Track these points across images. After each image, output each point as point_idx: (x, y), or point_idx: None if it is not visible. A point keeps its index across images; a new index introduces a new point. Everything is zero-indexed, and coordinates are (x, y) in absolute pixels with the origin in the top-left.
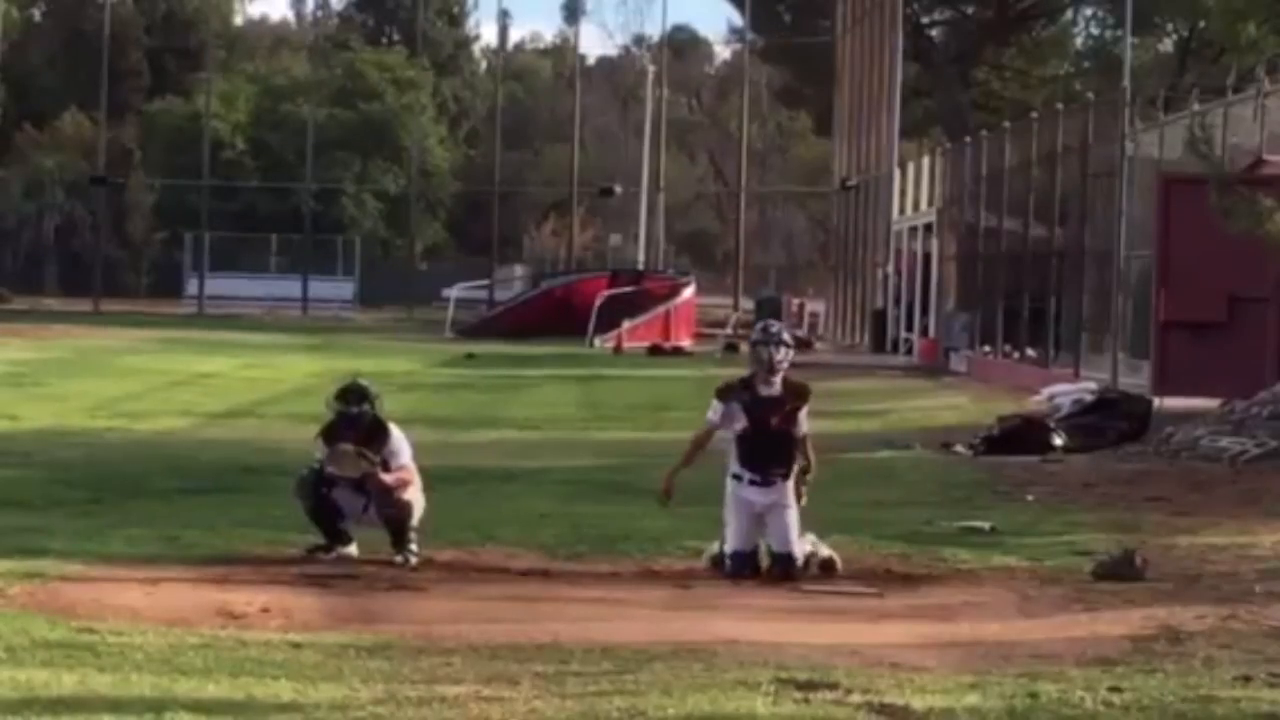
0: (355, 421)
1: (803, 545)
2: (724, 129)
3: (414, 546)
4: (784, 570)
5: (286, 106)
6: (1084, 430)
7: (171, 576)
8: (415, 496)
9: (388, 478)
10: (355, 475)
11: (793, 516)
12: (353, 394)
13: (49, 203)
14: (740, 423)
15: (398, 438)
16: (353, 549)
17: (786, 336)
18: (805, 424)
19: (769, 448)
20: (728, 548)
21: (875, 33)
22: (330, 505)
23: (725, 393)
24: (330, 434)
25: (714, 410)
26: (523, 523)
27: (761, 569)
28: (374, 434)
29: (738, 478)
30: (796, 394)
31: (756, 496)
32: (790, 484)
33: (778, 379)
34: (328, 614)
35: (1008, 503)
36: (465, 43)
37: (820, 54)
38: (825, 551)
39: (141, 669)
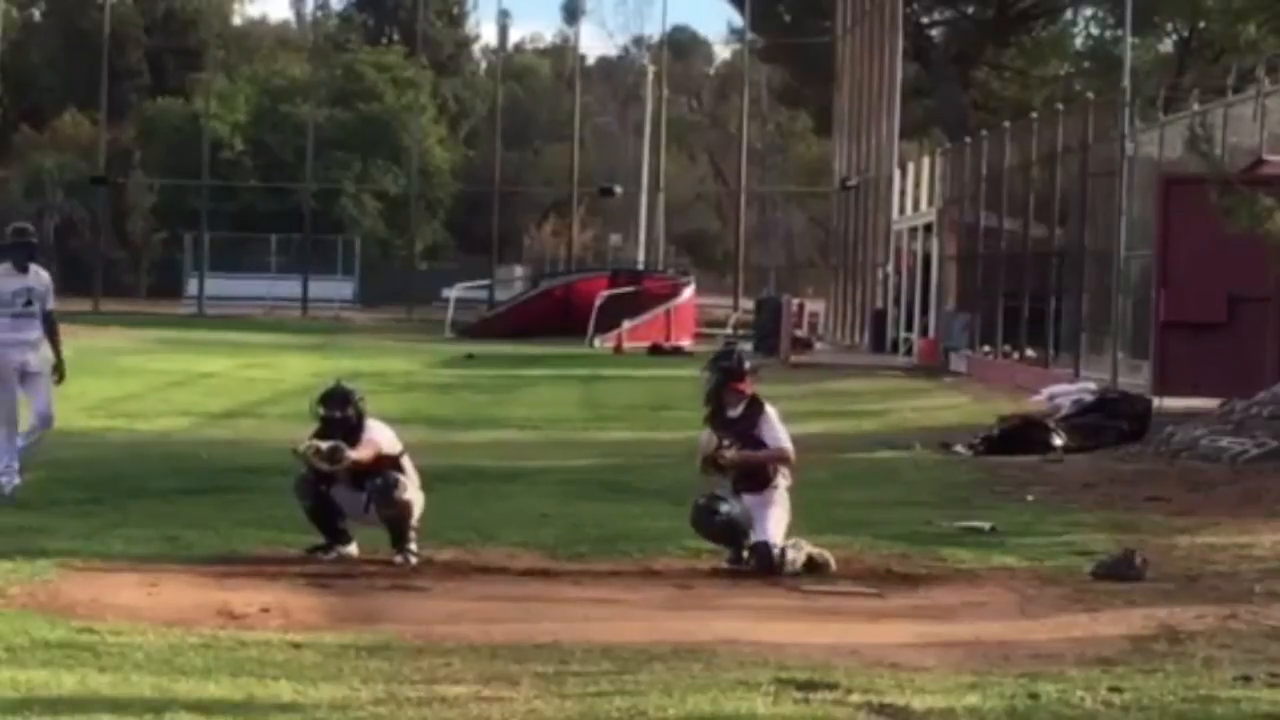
0: (341, 425)
1: (795, 553)
2: (724, 129)
3: (413, 546)
4: (762, 560)
5: (286, 107)
6: (1084, 430)
7: (171, 576)
8: (414, 495)
9: (360, 452)
10: (332, 467)
11: (773, 514)
12: (335, 399)
13: (49, 203)
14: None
15: (370, 430)
16: (353, 549)
17: (719, 365)
18: (776, 435)
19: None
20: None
21: (875, 33)
22: (329, 504)
23: (706, 418)
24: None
25: (705, 435)
26: (523, 523)
27: (719, 521)
28: (357, 433)
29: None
30: (752, 410)
31: (743, 497)
32: (766, 493)
33: (738, 402)
34: (328, 614)
35: (1008, 503)
36: (465, 43)
37: (820, 54)
38: (810, 550)
39: (141, 669)
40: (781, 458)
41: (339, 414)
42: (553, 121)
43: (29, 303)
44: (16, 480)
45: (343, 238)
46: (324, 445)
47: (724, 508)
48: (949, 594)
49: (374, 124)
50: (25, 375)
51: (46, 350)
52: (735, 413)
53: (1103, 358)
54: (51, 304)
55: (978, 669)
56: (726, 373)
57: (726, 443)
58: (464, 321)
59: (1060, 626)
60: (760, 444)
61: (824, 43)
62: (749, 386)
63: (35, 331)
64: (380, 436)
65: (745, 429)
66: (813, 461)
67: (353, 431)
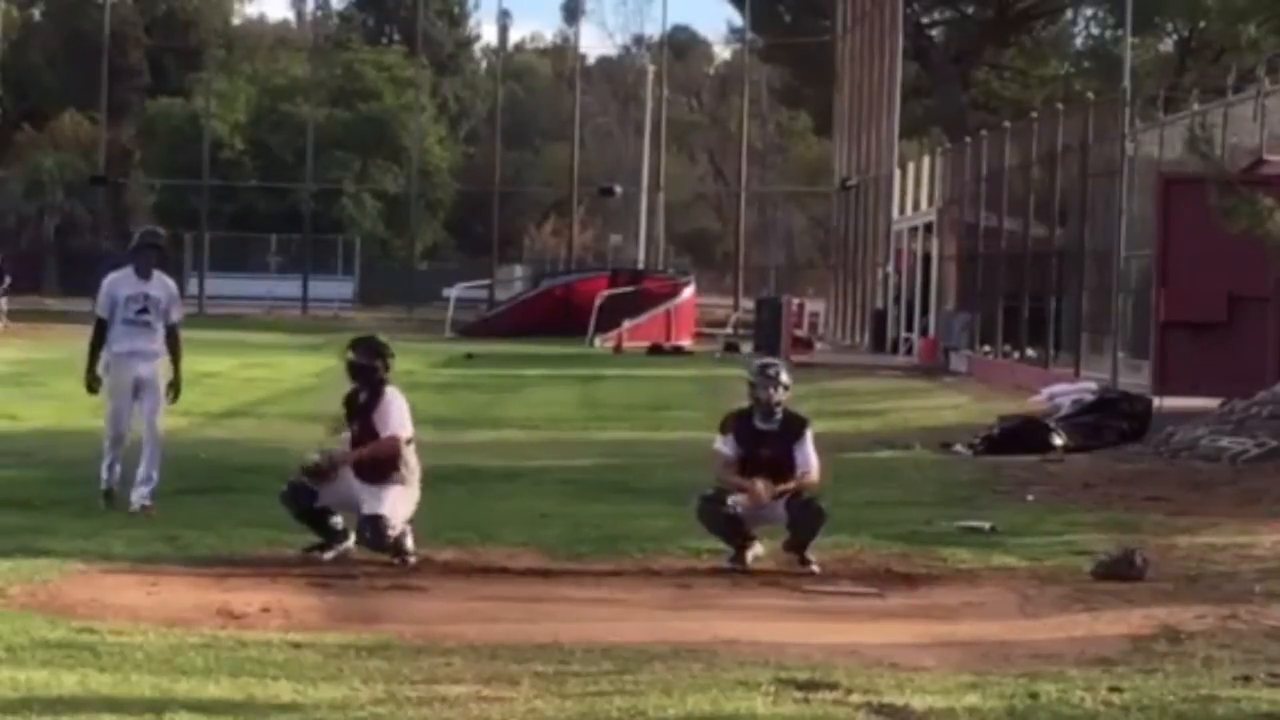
0: (366, 374)
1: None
2: (724, 129)
3: (410, 545)
4: (809, 517)
5: (286, 106)
6: (1084, 430)
7: (171, 576)
8: (406, 508)
9: (357, 453)
10: (331, 479)
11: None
12: (363, 345)
13: (49, 203)
14: (736, 451)
15: (388, 400)
16: (350, 543)
17: (784, 377)
18: (809, 457)
19: (761, 474)
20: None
21: (875, 33)
22: (320, 509)
23: (726, 425)
24: (349, 402)
25: (724, 443)
26: (523, 523)
27: (725, 514)
28: (376, 394)
29: None
30: (794, 426)
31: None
32: (779, 503)
33: (778, 414)
34: (328, 614)
35: (1008, 503)
36: (465, 43)
37: (820, 54)
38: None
39: (141, 669)
40: (811, 484)
41: (364, 362)
42: (553, 121)
43: (144, 310)
44: (115, 483)
45: (343, 238)
46: (318, 459)
47: (731, 500)
48: (949, 594)
49: (374, 124)
50: (139, 389)
51: (167, 365)
52: (768, 425)
53: (1103, 358)
54: (177, 315)
55: (978, 669)
56: (787, 389)
57: (764, 485)
58: (464, 321)
59: (1060, 626)
60: (791, 460)
61: (824, 43)
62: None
63: (151, 343)
64: (394, 410)
65: (781, 445)
66: None
67: (375, 387)
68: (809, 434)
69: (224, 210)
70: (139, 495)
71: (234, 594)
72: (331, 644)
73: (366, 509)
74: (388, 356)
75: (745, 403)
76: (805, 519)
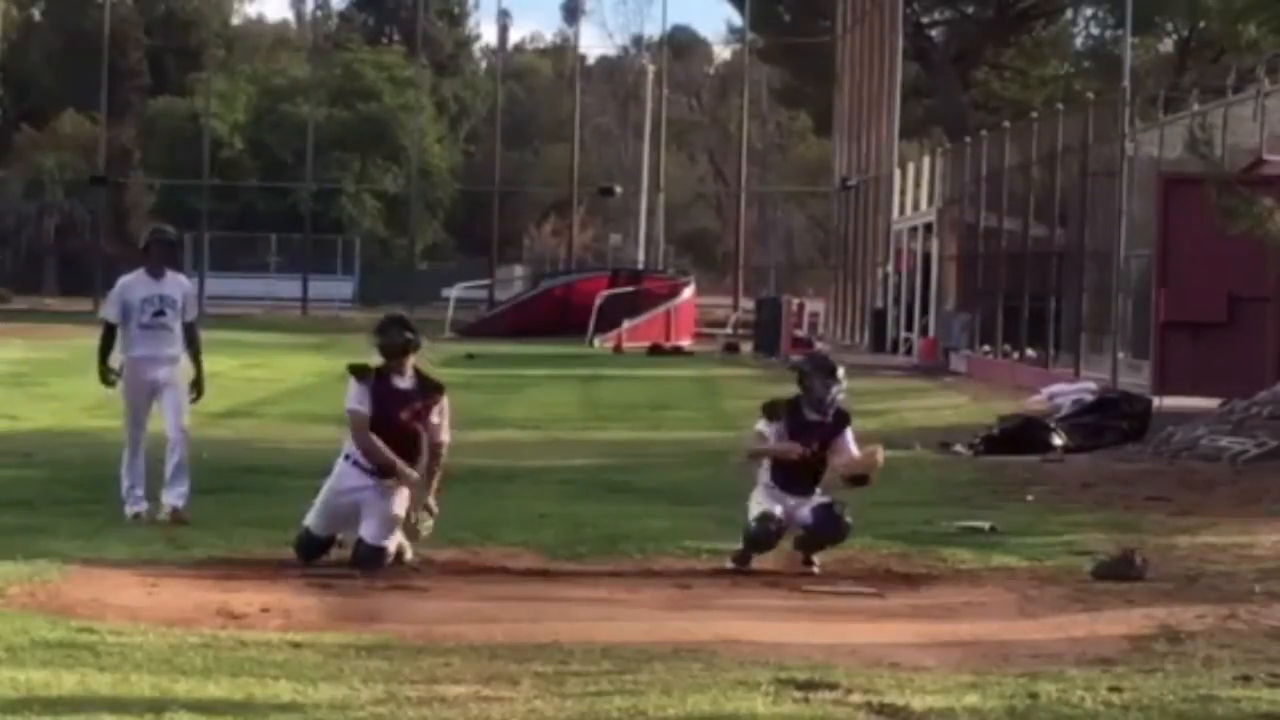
0: (405, 349)
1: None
2: (724, 129)
3: (406, 545)
4: (833, 525)
5: (286, 106)
6: (1084, 430)
7: (171, 576)
8: (398, 527)
9: (432, 478)
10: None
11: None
12: (395, 323)
13: (49, 203)
14: (781, 438)
15: (446, 405)
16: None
17: (842, 373)
18: (852, 454)
19: (800, 468)
20: (754, 512)
21: (875, 33)
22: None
23: (773, 412)
24: (380, 371)
25: (768, 427)
26: (523, 523)
27: (781, 532)
28: (429, 382)
29: (768, 485)
30: (840, 420)
31: (787, 498)
32: (811, 497)
33: (831, 409)
34: (328, 614)
35: (1008, 503)
36: (465, 43)
37: (820, 54)
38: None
39: (141, 669)
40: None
41: (399, 339)
42: (553, 121)
43: (160, 312)
44: (141, 507)
45: (342, 238)
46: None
47: (774, 527)
48: (949, 594)
49: (373, 124)
50: (157, 392)
51: (187, 364)
52: (818, 417)
53: (1103, 358)
54: (193, 313)
55: (978, 669)
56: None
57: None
58: (464, 321)
59: (1060, 626)
60: (823, 461)
61: (824, 43)
62: None
63: (169, 346)
64: (448, 415)
65: (827, 437)
66: None
67: (419, 373)
68: (849, 431)
69: (224, 210)
70: (172, 497)
71: (234, 594)
72: (331, 644)
73: (370, 536)
74: (416, 330)
75: (763, 398)
76: (830, 528)
